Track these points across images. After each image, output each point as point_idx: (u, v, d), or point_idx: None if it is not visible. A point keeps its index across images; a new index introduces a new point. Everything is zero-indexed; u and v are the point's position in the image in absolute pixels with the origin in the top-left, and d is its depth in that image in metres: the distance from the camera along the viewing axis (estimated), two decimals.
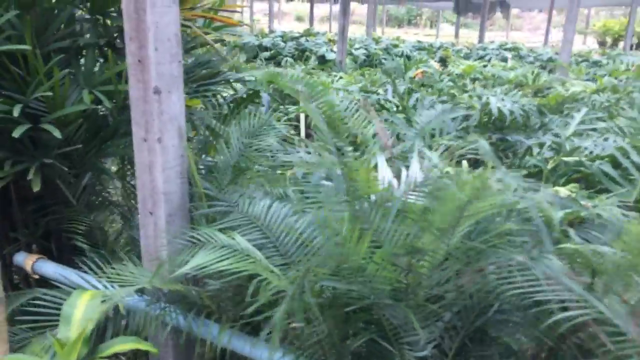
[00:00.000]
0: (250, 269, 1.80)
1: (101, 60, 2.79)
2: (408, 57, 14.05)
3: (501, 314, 1.85)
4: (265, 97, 3.64)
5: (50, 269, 2.63)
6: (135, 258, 2.57)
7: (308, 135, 5.13)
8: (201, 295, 2.05)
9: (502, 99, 4.11)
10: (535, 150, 4.10)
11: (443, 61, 15.52)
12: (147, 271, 2.09)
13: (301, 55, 18.03)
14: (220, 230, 2.15)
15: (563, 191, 2.99)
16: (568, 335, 1.91)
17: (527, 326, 1.85)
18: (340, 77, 8.77)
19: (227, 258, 1.85)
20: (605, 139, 3.44)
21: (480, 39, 18.90)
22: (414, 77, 8.84)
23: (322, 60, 16.33)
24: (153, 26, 2.05)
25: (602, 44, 33.79)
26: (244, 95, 3.84)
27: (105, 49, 2.74)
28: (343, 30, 11.04)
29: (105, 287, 2.06)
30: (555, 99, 6.68)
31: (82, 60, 2.66)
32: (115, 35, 2.65)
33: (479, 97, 4.26)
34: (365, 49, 17.19)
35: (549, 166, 3.24)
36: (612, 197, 2.78)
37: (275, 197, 2.44)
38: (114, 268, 2.09)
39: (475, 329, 1.84)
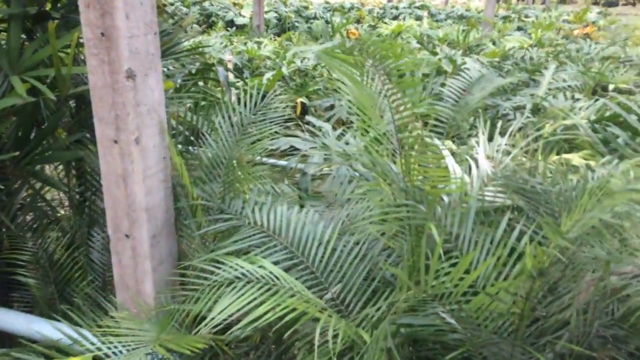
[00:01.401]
0: (304, 310, 1.34)
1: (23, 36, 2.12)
2: (327, 21, 13.57)
3: (606, 329, 1.53)
4: (221, 72, 3.08)
5: None
6: (102, 295, 2.02)
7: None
8: (219, 344, 1.56)
9: (477, 60, 3.81)
10: (509, 111, 3.86)
11: (357, 22, 15.18)
12: (144, 323, 1.56)
13: (207, 20, 16.97)
14: (232, 253, 1.65)
15: (577, 159, 2.74)
16: None
17: (633, 338, 1.55)
18: (266, 44, 8.16)
19: (267, 297, 1.37)
20: (597, 99, 3.23)
21: None
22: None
23: (232, 26, 15.44)
24: None
25: None
26: (194, 71, 3.25)
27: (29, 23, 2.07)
28: None
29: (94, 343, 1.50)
30: (493, 56, 6.56)
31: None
32: (48, 2, 1.98)
33: (451, 59, 3.94)
34: (276, 11, 16.47)
35: (549, 130, 2.98)
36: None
37: (288, 200, 1.97)
38: (98, 317, 1.54)
39: (581, 351, 1.52)
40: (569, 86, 5.02)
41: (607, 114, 3.27)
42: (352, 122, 4.35)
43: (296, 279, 1.62)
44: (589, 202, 1.18)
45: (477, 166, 1.56)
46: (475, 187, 1.50)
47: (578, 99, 4.02)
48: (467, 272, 1.39)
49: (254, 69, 7.01)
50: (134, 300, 1.81)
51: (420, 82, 1.34)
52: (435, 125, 2.23)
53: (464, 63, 3.82)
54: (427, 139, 1.58)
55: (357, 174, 2.16)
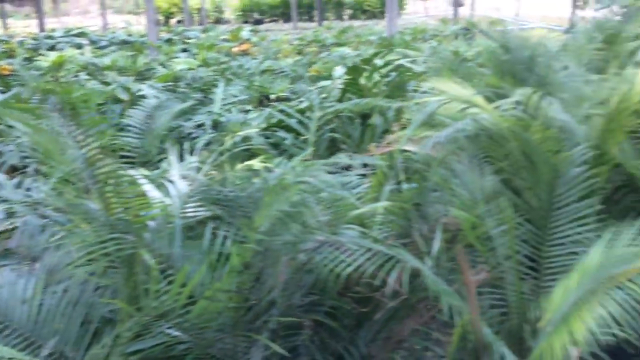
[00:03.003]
0: None
1: None
2: None
3: (305, 298, 1.83)
4: None
5: None
6: None
7: None
8: None
9: (152, 86, 3.90)
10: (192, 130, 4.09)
11: (9, 56, 13.60)
12: None
13: None
14: None
15: (257, 164, 3.10)
16: (344, 292, 2.04)
17: (325, 297, 1.88)
18: None
19: None
20: (262, 109, 3.69)
21: (42, 27, 17.28)
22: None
23: None
24: None
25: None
26: None
27: None
28: None
29: None
30: (165, 79, 6.78)
31: None
32: None
33: (126, 87, 3.93)
34: None
35: (228, 143, 3.29)
36: (300, 159, 3.06)
37: None
38: None
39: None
40: (240, 100, 5.56)
41: (274, 120, 3.78)
42: (25, 167, 3.97)
43: (3, 346, 1.47)
44: (271, 198, 1.41)
45: (175, 187, 1.67)
46: (176, 207, 1.61)
47: (249, 111, 4.50)
48: (184, 285, 1.49)
49: None
50: None
51: (103, 118, 1.38)
52: (124, 156, 2.25)
53: (140, 90, 3.89)
54: (121, 171, 1.62)
55: (49, 221, 2.04)
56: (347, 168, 3.02)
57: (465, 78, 2.91)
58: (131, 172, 1.74)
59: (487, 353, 1.61)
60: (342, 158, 1.77)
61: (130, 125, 2.37)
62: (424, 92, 2.53)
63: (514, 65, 2.76)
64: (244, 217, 1.76)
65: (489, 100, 2.48)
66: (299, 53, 11.94)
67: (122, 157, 2.35)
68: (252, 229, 1.35)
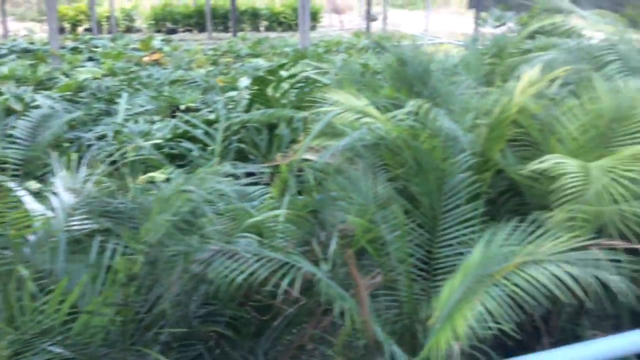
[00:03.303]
0: None
1: None
2: None
3: (200, 308, 1.82)
4: None
5: None
6: None
7: None
8: None
9: (49, 96, 3.71)
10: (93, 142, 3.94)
11: None
12: None
13: None
14: None
15: (158, 176, 3.04)
16: (245, 301, 2.05)
17: (223, 306, 1.88)
18: None
19: None
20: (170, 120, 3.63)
21: None
22: None
23: None
24: None
25: (60, 30, 33.89)
26: None
27: None
28: None
29: None
30: (67, 89, 6.49)
31: None
32: None
33: (19, 97, 3.71)
34: None
35: (131, 154, 3.20)
36: (206, 169, 3.03)
37: None
38: None
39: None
40: (147, 110, 5.41)
41: (180, 131, 3.72)
42: None
43: None
44: (159, 208, 1.39)
45: (59, 199, 1.61)
46: (60, 220, 1.55)
47: (155, 122, 4.40)
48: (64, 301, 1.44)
49: None
50: None
51: None
52: (14, 169, 2.13)
53: (35, 100, 3.70)
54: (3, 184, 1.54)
55: None
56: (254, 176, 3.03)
57: (368, 90, 3.02)
58: (11, 184, 1.66)
59: (380, 352, 1.67)
60: (227, 167, 1.80)
61: (16, 137, 2.25)
62: (332, 104, 2.59)
63: (411, 78, 2.90)
64: (135, 229, 1.73)
65: (387, 110, 2.59)
66: (213, 63, 11.78)
67: (10, 169, 2.22)
68: (137, 240, 1.32)
